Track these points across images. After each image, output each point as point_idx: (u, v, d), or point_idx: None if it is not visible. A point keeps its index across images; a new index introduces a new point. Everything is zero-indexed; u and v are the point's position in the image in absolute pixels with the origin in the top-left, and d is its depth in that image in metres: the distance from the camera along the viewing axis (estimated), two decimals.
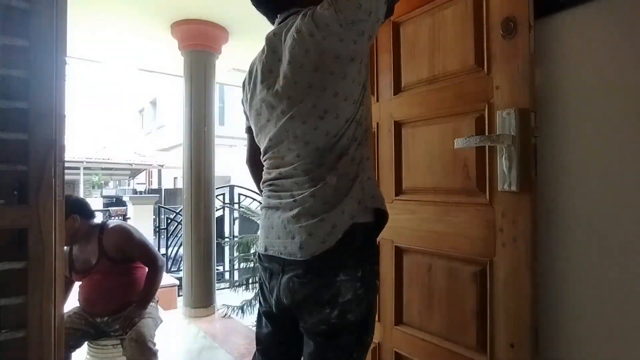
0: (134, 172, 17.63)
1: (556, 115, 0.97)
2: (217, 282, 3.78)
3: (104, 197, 11.32)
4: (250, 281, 3.86)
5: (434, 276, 1.21)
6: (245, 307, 3.53)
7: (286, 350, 1.00)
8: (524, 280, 0.96)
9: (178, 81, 4.57)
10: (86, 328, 1.90)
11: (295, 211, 0.87)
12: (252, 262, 3.80)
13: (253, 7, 1.01)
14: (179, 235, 5.15)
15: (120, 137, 18.42)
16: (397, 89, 1.34)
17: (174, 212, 5.70)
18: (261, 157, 1.00)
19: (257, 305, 1.06)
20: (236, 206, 5.43)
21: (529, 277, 0.95)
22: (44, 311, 0.83)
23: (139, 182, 18.71)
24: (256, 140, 1.03)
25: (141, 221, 6.16)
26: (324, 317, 0.84)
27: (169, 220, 5.53)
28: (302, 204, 0.86)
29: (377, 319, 1.39)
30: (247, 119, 1.07)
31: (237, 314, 3.50)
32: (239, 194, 5.59)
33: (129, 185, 18.59)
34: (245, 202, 5.46)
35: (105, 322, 1.94)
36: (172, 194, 10.69)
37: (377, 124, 1.40)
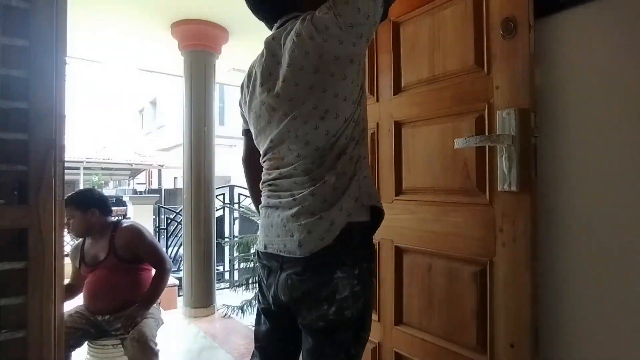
0: (134, 172, 17.62)
1: (556, 115, 0.97)
2: (217, 282, 3.78)
3: None
4: (250, 281, 3.86)
5: (434, 276, 1.21)
6: (245, 307, 3.53)
7: (284, 347, 1.01)
8: (524, 280, 0.96)
9: (178, 81, 4.57)
10: (87, 327, 1.91)
11: (294, 210, 0.88)
12: (252, 262, 3.81)
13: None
14: (179, 235, 5.15)
15: (120, 137, 18.42)
16: (397, 89, 1.34)
17: (174, 212, 5.70)
18: (261, 158, 1.02)
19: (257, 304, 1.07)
20: (236, 206, 5.43)
21: (529, 277, 0.95)
22: (44, 311, 0.83)
23: (139, 182, 18.71)
24: (255, 142, 1.04)
25: (141, 221, 6.14)
26: (321, 314, 0.86)
27: (169, 220, 5.53)
28: (302, 203, 0.88)
29: (377, 318, 1.39)
30: (244, 121, 1.09)
31: (237, 314, 3.50)
32: (239, 194, 5.59)
33: (129, 185, 18.58)
34: (245, 202, 5.45)
35: (106, 320, 1.94)
36: (172, 194, 10.70)
37: (377, 124, 1.40)
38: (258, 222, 1.09)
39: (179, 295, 4.00)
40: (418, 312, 1.26)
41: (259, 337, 1.04)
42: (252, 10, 1.01)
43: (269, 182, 0.97)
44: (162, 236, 5.59)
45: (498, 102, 1.02)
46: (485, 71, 1.06)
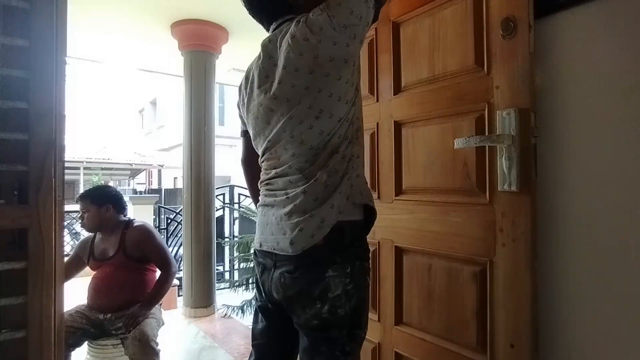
0: (134, 172, 17.63)
1: (556, 115, 0.97)
2: (217, 282, 3.78)
3: None
4: (250, 281, 3.86)
5: (434, 276, 1.21)
6: (245, 307, 3.53)
7: (280, 345, 1.02)
8: (524, 280, 0.96)
9: (178, 81, 4.57)
10: (87, 327, 1.91)
11: (288, 208, 0.90)
12: (252, 262, 3.79)
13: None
14: (179, 235, 5.14)
15: (120, 137, 18.41)
16: (397, 89, 1.34)
17: (174, 212, 5.69)
18: (259, 159, 1.03)
19: None
20: (236, 206, 5.43)
21: (529, 277, 0.95)
22: (44, 311, 0.83)
23: (139, 182, 18.71)
24: (253, 143, 1.06)
25: None
26: (315, 312, 0.87)
27: (169, 220, 5.52)
28: (294, 201, 0.90)
29: (377, 318, 1.39)
30: (243, 122, 1.11)
31: (237, 314, 3.50)
32: (239, 194, 5.58)
33: (129, 185, 18.58)
34: (245, 202, 5.45)
35: (108, 319, 1.95)
36: (172, 194, 10.69)
37: (377, 124, 1.40)
38: None
39: (179, 295, 3.99)
40: (418, 312, 1.26)
41: (255, 335, 1.06)
42: (248, 11, 1.03)
43: (266, 182, 0.99)
44: (162, 236, 5.58)
45: (498, 102, 1.02)
46: (485, 71, 1.06)
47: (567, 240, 0.95)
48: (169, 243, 5.38)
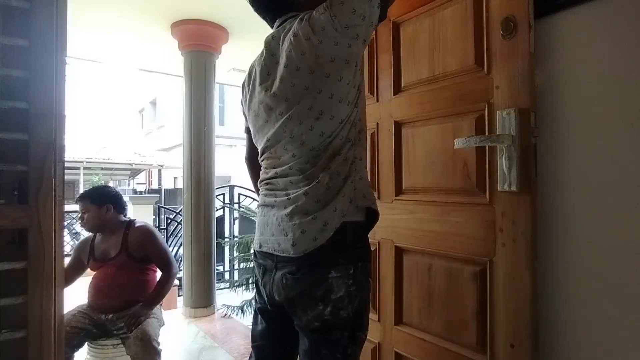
0: (134, 172, 17.63)
1: (556, 115, 0.97)
2: (217, 282, 3.78)
3: None
4: (250, 281, 3.86)
5: (434, 276, 1.21)
6: (245, 307, 3.53)
7: (280, 347, 1.01)
8: (524, 280, 0.96)
9: (178, 81, 4.56)
10: (90, 327, 1.92)
11: (289, 209, 0.89)
12: (252, 262, 3.79)
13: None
14: (179, 235, 5.14)
15: (120, 137, 18.41)
16: (397, 89, 1.34)
17: (174, 212, 5.69)
18: (259, 157, 1.03)
19: None
20: (236, 206, 5.43)
21: (529, 277, 0.95)
22: (44, 311, 0.83)
23: (139, 182, 18.71)
24: (254, 140, 1.05)
25: None
26: (317, 314, 0.86)
27: (169, 220, 5.52)
28: (296, 202, 0.89)
29: (377, 318, 1.39)
30: (246, 119, 1.10)
31: (237, 314, 3.50)
32: (239, 194, 5.58)
33: (129, 185, 18.58)
34: (245, 202, 5.45)
35: (110, 319, 1.95)
36: (172, 194, 10.69)
37: (377, 124, 1.40)
38: None
39: (179, 295, 3.99)
40: (418, 312, 1.26)
41: (255, 337, 1.05)
42: (253, 7, 1.02)
43: (266, 181, 0.98)
44: (162, 236, 5.58)
45: (498, 102, 1.02)
46: (485, 71, 1.06)
47: (567, 240, 0.95)
48: (169, 243, 5.38)
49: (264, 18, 1.02)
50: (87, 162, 13.94)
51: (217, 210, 4.14)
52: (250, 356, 1.07)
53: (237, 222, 5.54)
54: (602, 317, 0.90)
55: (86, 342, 1.95)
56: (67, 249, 5.62)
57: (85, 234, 2.27)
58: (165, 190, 11.38)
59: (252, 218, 4.53)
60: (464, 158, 1.11)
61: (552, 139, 0.98)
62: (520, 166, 0.96)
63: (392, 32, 1.34)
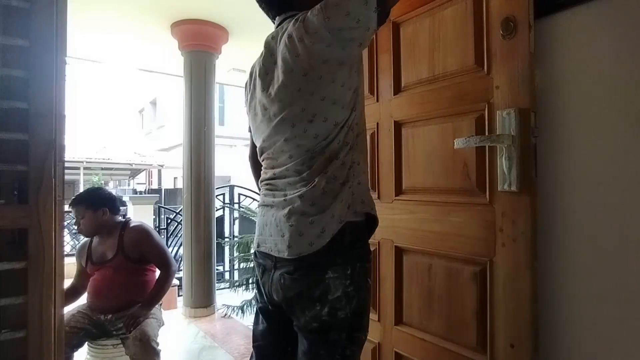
0: (134, 172, 17.62)
1: (556, 115, 0.97)
2: (217, 282, 3.78)
3: None
4: (250, 281, 3.86)
5: (434, 276, 1.21)
6: (245, 307, 3.53)
7: (280, 347, 1.01)
8: (524, 280, 0.96)
9: (178, 81, 4.56)
10: (89, 327, 1.92)
11: (286, 210, 0.89)
12: (252, 262, 3.78)
13: (253, 7, 1.03)
14: (179, 235, 5.14)
15: (120, 137, 18.41)
16: (397, 89, 1.34)
17: (174, 212, 5.69)
18: (259, 157, 1.03)
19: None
20: (236, 206, 5.43)
21: (529, 277, 0.95)
22: (44, 311, 0.83)
23: (139, 182, 18.70)
24: (253, 140, 1.06)
25: (141, 221, 6.15)
26: (315, 314, 0.86)
27: (169, 220, 5.52)
28: (292, 204, 0.89)
29: (377, 318, 1.39)
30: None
31: (237, 314, 3.50)
32: (239, 194, 5.58)
33: (129, 185, 18.58)
34: (245, 202, 5.45)
35: (109, 320, 1.95)
36: (172, 194, 10.69)
37: (377, 124, 1.40)
38: None
39: (179, 295, 3.99)
40: (418, 312, 1.26)
41: (256, 336, 1.05)
42: (257, 1, 1.01)
43: (266, 182, 0.99)
44: (162, 236, 5.59)
45: (498, 102, 1.02)
46: (485, 71, 1.06)
47: (567, 240, 0.95)
48: (169, 243, 5.38)
49: (267, 14, 1.02)
50: (87, 162, 13.93)
51: (217, 210, 4.14)
52: (252, 356, 1.07)
53: (237, 222, 5.55)
54: (602, 317, 0.90)
55: (86, 342, 1.95)
56: (67, 249, 5.61)
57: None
58: (165, 190, 11.38)
59: (252, 218, 4.53)
60: (464, 158, 1.11)
61: (552, 139, 0.98)
62: (520, 166, 0.96)
63: (392, 32, 1.34)
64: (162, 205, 6.65)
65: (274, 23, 1.01)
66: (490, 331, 1.04)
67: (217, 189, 4.00)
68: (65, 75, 0.88)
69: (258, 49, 1.01)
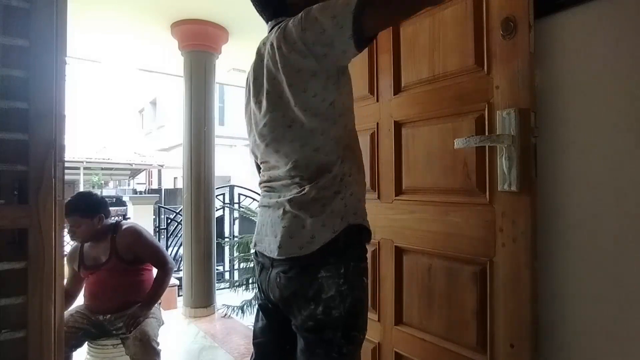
0: (134, 172, 17.62)
1: (556, 115, 0.97)
2: (217, 282, 3.78)
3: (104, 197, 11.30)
4: (250, 281, 3.86)
5: (434, 276, 1.21)
6: (245, 307, 3.53)
7: (279, 344, 1.02)
8: (524, 280, 0.96)
9: (178, 81, 4.56)
10: (88, 327, 1.91)
11: (280, 211, 0.91)
12: (252, 262, 3.78)
13: (252, 7, 1.03)
14: (179, 235, 5.14)
15: (120, 137, 18.41)
16: (397, 89, 1.34)
17: (174, 212, 5.70)
18: (257, 160, 1.06)
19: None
20: (236, 206, 5.43)
21: (529, 277, 0.95)
22: (44, 311, 0.83)
23: (139, 182, 18.70)
24: None
25: (141, 221, 6.14)
26: (310, 313, 0.87)
27: (169, 220, 5.52)
28: (283, 206, 0.91)
29: (377, 318, 1.39)
30: None
31: (237, 314, 3.50)
32: (239, 194, 5.58)
33: (129, 185, 18.58)
34: (245, 202, 5.45)
35: (108, 320, 1.94)
36: (172, 194, 10.69)
37: (377, 124, 1.40)
38: None
39: (179, 295, 4.00)
40: (418, 312, 1.26)
41: (256, 333, 1.06)
42: (252, 3, 1.02)
43: (264, 183, 1.02)
44: (162, 236, 5.59)
45: (498, 102, 1.02)
46: (485, 71, 1.06)
47: (567, 240, 0.95)
48: (168, 243, 5.39)
49: (261, 15, 1.03)
50: (87, 162, 13.94)
51: (217, 210, 4.14)
52: (252, 353, 1.08)
53: (237, 222, 5.55)
54: (602, 317, 0.90)
55: (86, 342, 1.95)
56: (67, 248, 5.60)
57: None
58: (165, 190, 11.39)
59: (252, 218, 4.53)
60: (464, 158, 1.11)
61: (552, 139, 0.98)
62: (520, 166, 0.96)
63: (392, 32, 1.34)
64: (162, 205, 6.65)
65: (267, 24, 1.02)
66: (490, 331, 1.04)
67: (217, 189, 4.00)
68: (65, 75, 0.89)
69: None
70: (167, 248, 5.38)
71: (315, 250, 0.86)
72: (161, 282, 2.01)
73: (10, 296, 0.81)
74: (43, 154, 0.83)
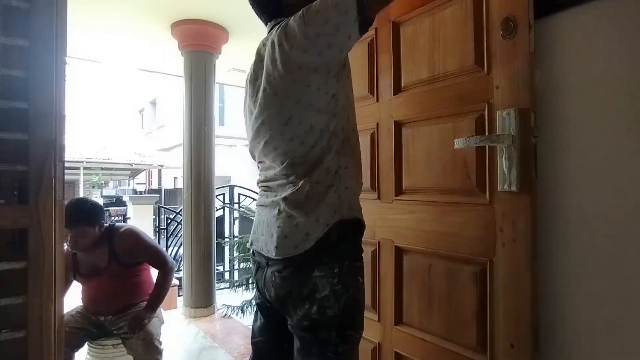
0: (134, 172, 17.62)
1: (556, 115, 0.97)
2: (217, 282, 3.78)
3: (104, 197, 11.32)
4: (250, 281, 3.86)
5: (434, 276, 1.21)
6: (245, 307, 3.53)
7: (277, 343, 1.02)
8: (524, 280, 0.96)
9: (178, 81, 4.57)
10: (89, 327, 1.91)
11: (275, 211, 0.92)
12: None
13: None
14: (179, 235, 5.14)
15: (120, 137, 18.41)
16: (397, 89, 1.34)
17: (174, 212, 5.69)
18: (254, 159, 1.07)
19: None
20: (236, 206, 5.43)
21: (529, 277, 0.95)
22: (44, 311, 0.83)
23: (139, 182, 18.70)
24: None
25: (141, 221, 6.17)
26: (305, 313, 0.87)
27: (169, 220, 5.52)
28: (278, 205, 0.91)
29: (377, 318, 1.39)
30: None
31: (237, 314, 3.50)
32: (239, 194, 5.58)
33: (129, 185, 18.57)
34: (245, 202, 5.45)
35: (109, 320, 1.94)
36: (172, 194, 10.69)
37: (377, 124, 1.40)
38: None
39: (179, 295, 3.99)
40: (418, 312, 1.26)
41: (254, 333, 1.07)
42: (251, 6, 1.03)
43: (262, 183, 1.02)
44: (162, 236, 5.59)
45: (498, 102, 1.02)
46: (485, 71, 1.06)
47: (567, 240, 0.95)
48: (168, 243, 5.39)
49: (260, 19, 1.04)
50: (87, 162, 13.94)
51: (217, 210, 4.14)
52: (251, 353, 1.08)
53: (237, 222, 5.55)
54: (602, 317, 0.90)
55: (86, 342, 1.95)
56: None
57: None
58: (165, 190, 11.38)
59: (252, 218, 4.51)
60: (464, 158, 1.11)
61: (552, 139, 0.98)
62: (520, 166, 0.96)
63: (392, 32, 1.34)
64: (162, 205, 6.65)
65: (266, 26, 1.03)
66: (490, 331, 1.04)
67: (217, 189, 4.00)
68: (65, 75, 0.89)
69: None
70: (167, 248, 5.38)
71: (310, 248, 0.86)
72: (163, 284, 1.98)
73: (10, 296, 0.81)
74: (43, 154, 0.83)
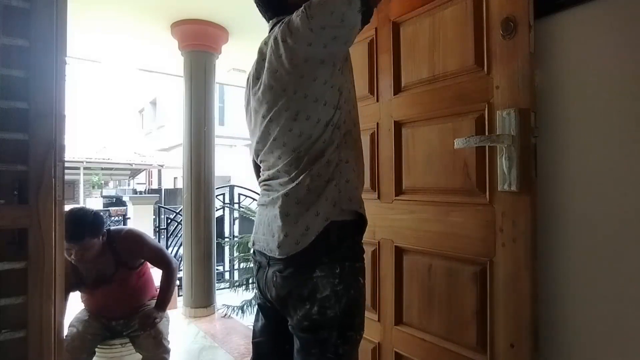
0: (134, 172, 17.63)
1: (556, 115, 0.97)
2: (217, 282, 3.78)
3: (104, 197, 11.30)
4: (250, 281, 3.86)
5: (434, 276, 1.21)
6: (245, 307, 3.52)
7: (277, 344, 1.02)
8: (524, 280, 0.96)
9: (178, 81, 4.57)
10: (104, 332, 1.91)
11: (276, 210, 0.91)
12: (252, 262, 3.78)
13: (253, 7, 1.04)
14: (179, 235, 5.14)
15: (120, 137, 18.42)
16: (397, 89, 1.34)
17: (174, 212, 5.69)
18: (256, 159, 1.06)
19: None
20: (236, 206, 5.43)
21: (529, 277, 0.95)
22: (44, 311, 0.83)
23: (139, 182, 18.70)
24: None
25: (141, 221, 6.15)
26: (305, 313, 0.87)
27: (169, 220, 5.51)
28: (277, 203, 0.91)
29: (377, 318, 1.39)
30: None
31: (237, 314, 3.50)
32: (239, 194, 5.58)
33: (129, 185, 18.57)
34: (245, 202, 5.45)
35: (121, 324, 1.94)
36: (172, 194, 10.68)
37: (377, 124, 1.40)
38: None
39: (179, 295, 3.99)
40: (418, 312, 1.26)
41: (255, 333, 1.07)
42: (255, 3, 1.03)
43: (263, 182, 1.02)
44: (162, 236, 5.59)
45: (498, 102, 1.02)
46: (485, 71, 1.06)
47: (567, 240, 0.95)
48: (169, 243, 5.39)
49: (264, 16, 1.03)
50: (87, 162, 13.95)
51: (217, 210, 4.14)
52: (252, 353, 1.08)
53: (237, 222, 5.54)
54: (602, 317, 0.90)
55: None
56: None
57: None
58: (165, 190, 11.37)
59: (252, 218, 4.53)
60: (464, 158, 1.11)
61: (552, 139, 0.98)
62: (520, 166, 0.96)
63: (392, 32, 1.34)
64: (162, 205, 6.64)
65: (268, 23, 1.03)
66: (490, 331, 1.04)
67: (217, 189, 4.00)
68: (65, 75, 0.89)
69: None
70: (167, 248, 5.37)
71: (309, 243, 0.86)
72: (169, 283, 1.97)
73: (10, 296, 0.81)
74: (43, 154, 0.83)
